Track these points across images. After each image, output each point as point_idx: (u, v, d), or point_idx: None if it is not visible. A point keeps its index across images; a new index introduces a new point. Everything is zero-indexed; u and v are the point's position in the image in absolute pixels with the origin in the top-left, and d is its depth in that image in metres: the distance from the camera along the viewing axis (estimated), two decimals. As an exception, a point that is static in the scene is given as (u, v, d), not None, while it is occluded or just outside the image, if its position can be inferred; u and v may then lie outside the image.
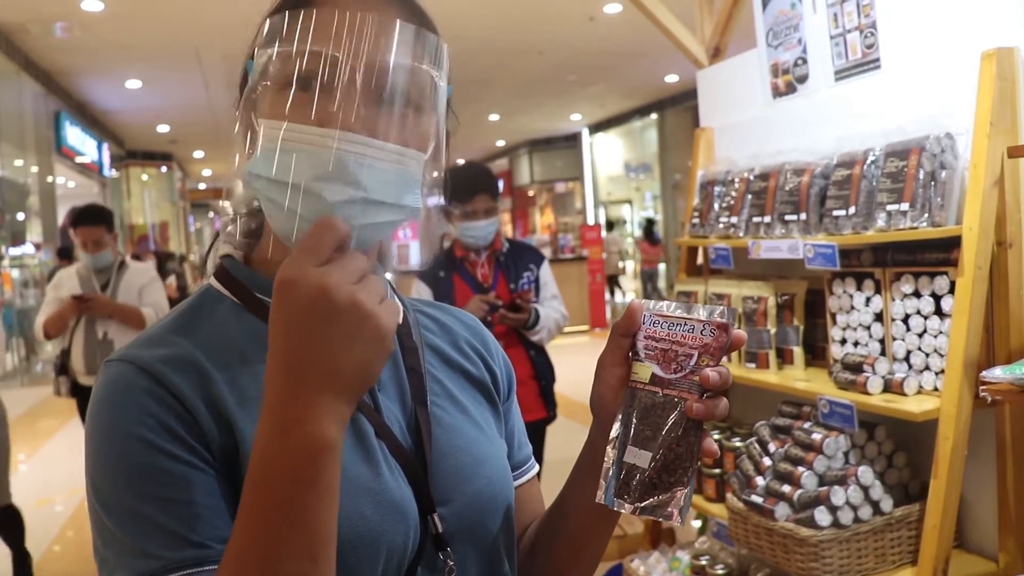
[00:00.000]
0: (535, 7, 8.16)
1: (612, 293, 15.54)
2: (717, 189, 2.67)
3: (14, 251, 10.54)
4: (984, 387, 1.69)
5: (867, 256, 2.14)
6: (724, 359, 0.76)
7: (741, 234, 2.50)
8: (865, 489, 2.00)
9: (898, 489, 2.09)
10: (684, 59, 3.14)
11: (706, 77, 2.98)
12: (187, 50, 9.07)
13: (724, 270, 2.66)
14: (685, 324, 0.77)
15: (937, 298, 1.95)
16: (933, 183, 1.90)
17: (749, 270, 2.61)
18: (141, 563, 0.68)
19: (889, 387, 2.00)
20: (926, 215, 1.90)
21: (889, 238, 1.97)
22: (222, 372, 0.75)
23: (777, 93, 2.55)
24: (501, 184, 4.00)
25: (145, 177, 17.96)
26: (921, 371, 1.99)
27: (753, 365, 2.44)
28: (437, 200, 0.79)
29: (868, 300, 2.13)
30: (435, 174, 0.79)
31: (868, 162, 2.07)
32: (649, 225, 15.20)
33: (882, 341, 2.10)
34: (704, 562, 2.58)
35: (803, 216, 2.24)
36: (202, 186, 24.86)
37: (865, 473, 2.01)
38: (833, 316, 2.25)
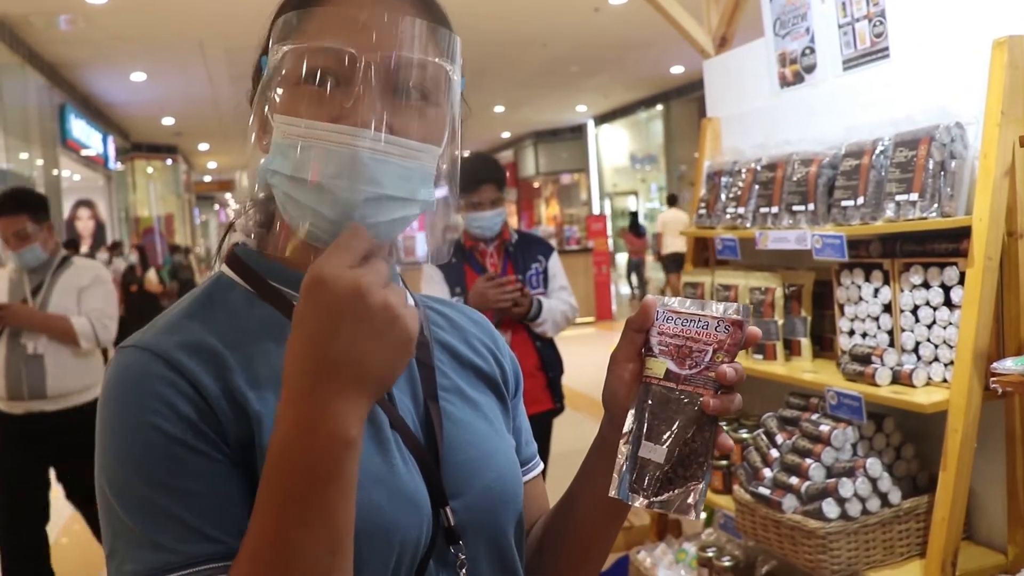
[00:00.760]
0: (540, -2, 8.15)
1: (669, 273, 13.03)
2: (724, 179, 2.65)
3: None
4: (995, 379, 1.68)
5: (876, 247, 2.13)
6: None
7: (748, 225, 2.48)
8: (873, 481, 2.00)
9: (906, 481, 2.08)
10: (690, 50, 3.12)
11: (713, 67, 2.96)
12: (191, 43, 9.07)
13: (731, 261, 2.65)
14: (699, 320, 0.77)
15: (947, 289, 1.94)
16: (943, 173, 1.89)
17: (756, 261, 2.60)
18: (153, 555, 0.68)
19: (898, 378, 1.99)
20: (935, 205, 1.88)
21: (898, 228, 1.96)
22: (237, 360, 0.75)
23: (785, 83, 2.53)
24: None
25: (150, 170, 18.00)
26: (930, 362, 1.98)
27: (760, 356, 2.43)
28: (446, 192, 0.79)
29: (877, 291, 2.12)
30: (444, 166, 0.79)
31: (877, 152, 2.05)
32: (634, 218, 15.65)
33: (891, 332, 2.09)
34: (711, 554, 2.58)
35: (811, 206, 2.22)
36: (207, 179, 24.92)
37: (873, 465, 2.00)
38: (841, 307, 2.24)
